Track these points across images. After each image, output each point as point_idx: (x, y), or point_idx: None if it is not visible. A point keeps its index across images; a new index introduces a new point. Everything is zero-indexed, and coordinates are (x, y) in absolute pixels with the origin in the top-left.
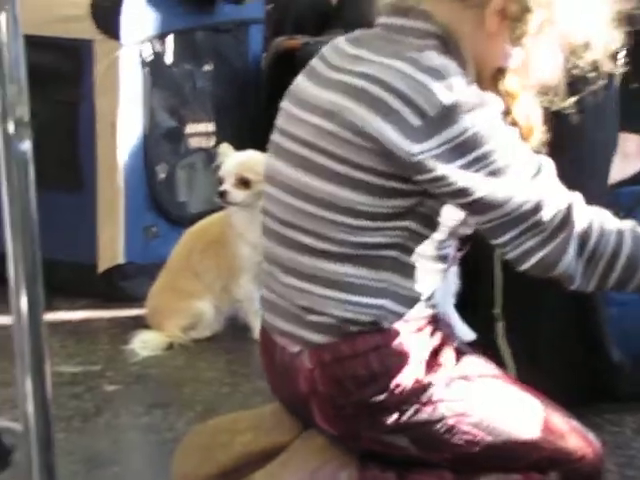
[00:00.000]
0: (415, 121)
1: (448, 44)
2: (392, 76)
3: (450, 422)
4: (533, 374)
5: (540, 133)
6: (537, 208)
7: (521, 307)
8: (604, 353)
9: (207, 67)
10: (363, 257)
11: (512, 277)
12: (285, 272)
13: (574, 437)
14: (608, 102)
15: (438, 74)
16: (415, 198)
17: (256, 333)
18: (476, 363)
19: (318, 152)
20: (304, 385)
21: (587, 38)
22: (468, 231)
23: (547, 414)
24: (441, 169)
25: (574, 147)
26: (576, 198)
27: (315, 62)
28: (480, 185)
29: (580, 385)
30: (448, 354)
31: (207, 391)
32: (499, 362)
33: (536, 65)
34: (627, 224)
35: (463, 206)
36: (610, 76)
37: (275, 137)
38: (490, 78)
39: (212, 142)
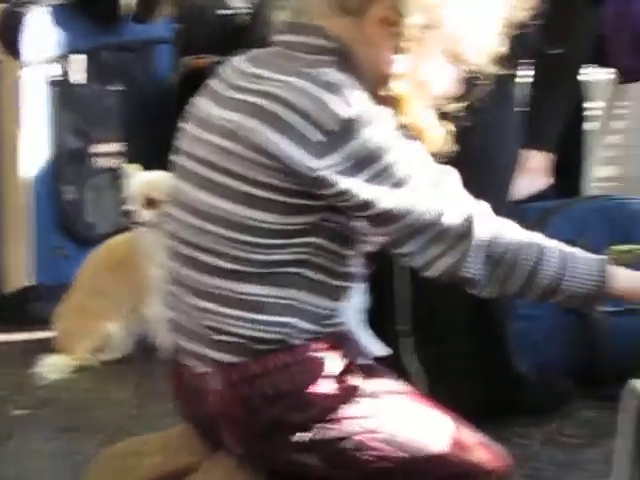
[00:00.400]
0: (315, 136)
1: (344, 59)
2: (291, 93)
3: (359, 439)
4: (442, 389)
5: (435, 135)
6: (439, 217)
7: (429, 323)
8: (511, 367)
9: (115, 86)
10: (269, 275)
11: (421, 293)
12: (191, 293)
13: (482, 451)
14: (510, 119)
15: (336, 89)
16: (320, 214)
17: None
18: (384, 379)
19: (221, 172)
20: (213, 406)
21: (472, 43)
22: (374, 248)
23: (456, 429)
24: (343, 183)
25: (476, 165)
26: (482, 206)
27: (214, 83)
28: (383, 197)
29: (488, 399)
30: (356, 371)
31: (116, 414)
32: (408, 378)
33: (423, 70)
34: (532, 235)
35: (368, 218)
36: (508, 93)
37: (178, 159)
38: (380, 85)
39: (120, 162)
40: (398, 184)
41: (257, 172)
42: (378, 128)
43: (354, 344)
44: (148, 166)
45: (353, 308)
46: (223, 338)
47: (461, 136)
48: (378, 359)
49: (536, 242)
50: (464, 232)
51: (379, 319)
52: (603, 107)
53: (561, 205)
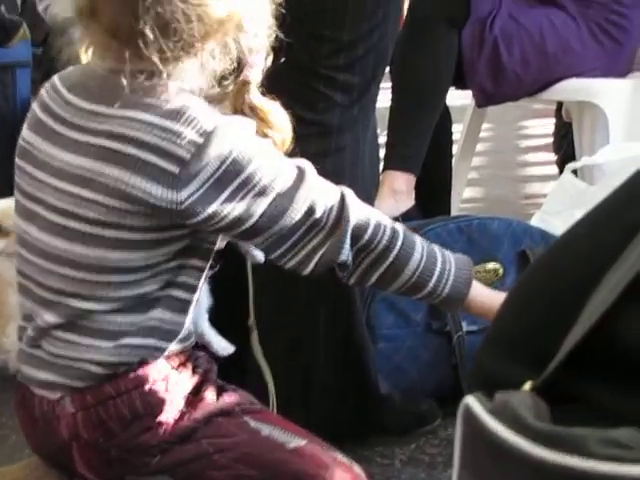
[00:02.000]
0: (172, 169)
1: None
2: (138, 130)
3: (213, 458)
4: (298, 408)
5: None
6: (310, 211)
7: (284, 345)
8: (372, 387)
9: None
10: (135, 306)
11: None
12: (48, 329)
13: (339, 470)
14: (365, 141)
15: (179, 115)
16: (187, 239)
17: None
18: (238, 398)
19: (78, 220)
20: (65, 431)
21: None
22: (222, 244)
23: (311, 447)
24: (211, 207)
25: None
26: (347, 191)
27: (42, 115)
28: (251, 210)
29: (348, 418)
30: (210, 390)
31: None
32: (259, 376)
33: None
34: (399, 225)
35: (239, 235)
36: (365, 115)
37: (23, 201)
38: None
39: None
40: (261, 193)
41: (120, 217)
42: (232, 139)
43: (207, 363)
44: (3, 192)
45: (199, 309)
46: (79, 365)
47: (315, 161)
48: (227, 359)
49: (408, 236)
50: (339, 219)
51: (227, 315)
52: (463, 129)
53: (422, 225)
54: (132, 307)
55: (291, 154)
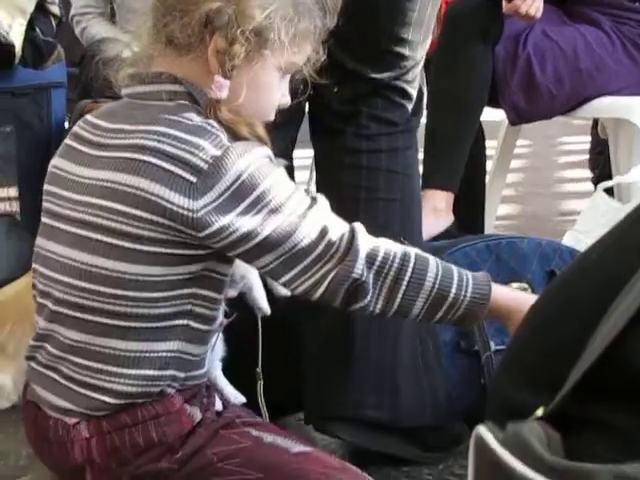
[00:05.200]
0: (191, 178)
1: (194, 99)
2: (159, 141)
3: (217, 466)
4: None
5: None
6: (322, 236)
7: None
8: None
9: (7, 130)
10: (153, 330)
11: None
12: (64, 351)
13: (350, 475)
14: (411, 160)
15: (202, 131)
16: (202, 263)
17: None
18: (239, 412)
19: (101, 231)
20: (79, 455)
21: (300, 62)
22: (234, 293)
23: (317, 453)
24: (224, 219)
25: (385, 212)
26: (357, 225)
27: (71, 142)
28: (262, 226)
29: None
30: (212, 410)
31: (3, 464)
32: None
33: (254, 90)
34: (411, 248)
35: (248, 252)
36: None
37: (48, 220)
38: (208, 110)
39: (15, 207)
40: (275, 210)
41: (140, 227)
42: (249, 159)
43: (215, 393)
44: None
45: (213, 357)
46: (96, 396)
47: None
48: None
49: (420, 254)
50: (350, 246)
51: (239, 365)
52: (497, 146)
53: (451, 244)
54: (150, 331)
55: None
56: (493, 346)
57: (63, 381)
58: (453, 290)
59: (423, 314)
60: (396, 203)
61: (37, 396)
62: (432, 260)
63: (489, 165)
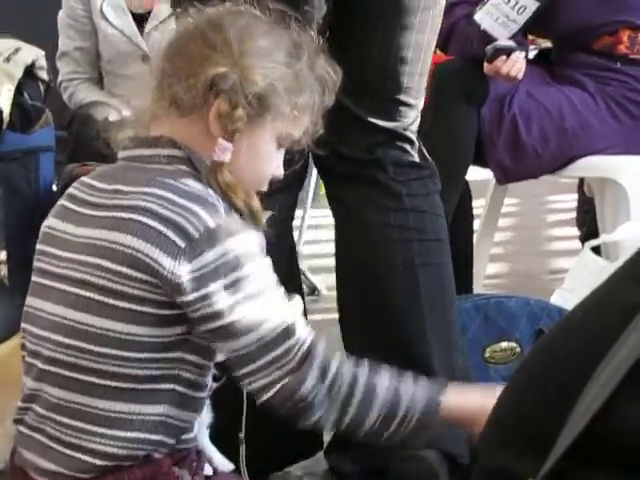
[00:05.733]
0: (181, 243)
1: (193, 165)
2: (154, 203)
3: None
4: None
5: (261, 219)
6: (287, 334)
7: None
8: None
9: None
10: (142, 392)
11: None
12: (52, 410)
13: None
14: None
15: (199, 199)
16: (186, 325)
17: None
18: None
19: (93, 289)
20: None
21: (297, 134)
22: (222, 357)
23: None
24: (202, 290)
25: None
26: (321, 337)
27: (66, 203)
28: (234, 308)
29: None
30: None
31: None
32: None
33: (252, 156)
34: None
35: (215, 332)
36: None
37: (39, 279)
38: (210, 173)
39: (3, 271)
40: (252, 297)
41: (128, 285)
42: (240, 239)
43: (204, 458)
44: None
45: (201, 423)
46: (83, 457)
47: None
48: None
49: (374, 370)
50: (309, 353)
51: (223, 430)
52: (485, 205)
53: None
54: (137, 393)
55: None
56: None
57: (49, 442)
58: (401, 411)
59: (376, 428)
60: (443, 243)
61: (24, 460)
62: (384, 377)
63: (477, 224)
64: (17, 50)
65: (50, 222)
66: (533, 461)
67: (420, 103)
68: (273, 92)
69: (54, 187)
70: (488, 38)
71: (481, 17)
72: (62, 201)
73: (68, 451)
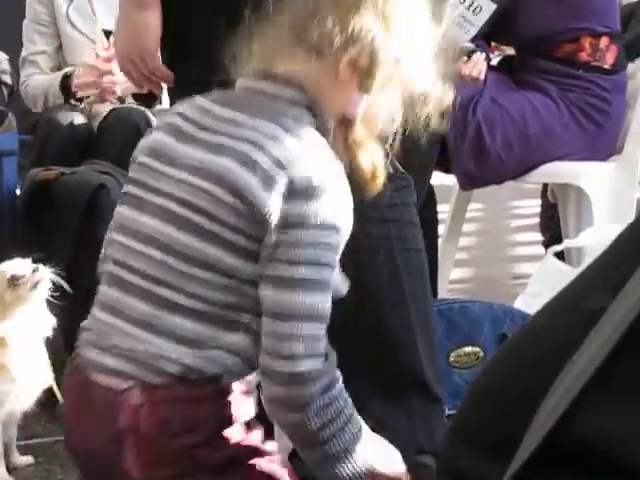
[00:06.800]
0: (283, 188)
1: (314, 113)
2: (268, 140)
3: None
4: None
5: (382, 178)
6: (322, 317)
7: None
8: None
9: None
10: (221, 317)
11: None
12: (134, 324)
13: None
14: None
15: (312, 151)
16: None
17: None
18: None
19: (192, 210)
20: (124, 421)
21: (425, 92)
22: None
23: None
24: (284, 234)
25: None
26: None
27: (178, 121)
28: (300, 264)
29: None
30: (259, 429)
31: None
32: None
33: (380, 114)
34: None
35: (270, 279)
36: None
37: (136, 191)
38: (343, 128)
39: None
40: (316, 263)
41: (225, 212)
42: (335, 209)
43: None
44: None
45: None
46: (156, 362)
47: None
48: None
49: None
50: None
51: None
52: (449, 210)
53: None
54: (214, 317)
55: None
56: (446, 410)
57: (124, 346)
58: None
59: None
60: (422, 253)
61: (88, 360)
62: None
63: (441, 229)
64: None
65: (158, 135)
66: (497, 464)
67: None
68: (412, 53)
69: (17, 191)
70: None
71: None
72: (172, 119)
73: (140, 356)
